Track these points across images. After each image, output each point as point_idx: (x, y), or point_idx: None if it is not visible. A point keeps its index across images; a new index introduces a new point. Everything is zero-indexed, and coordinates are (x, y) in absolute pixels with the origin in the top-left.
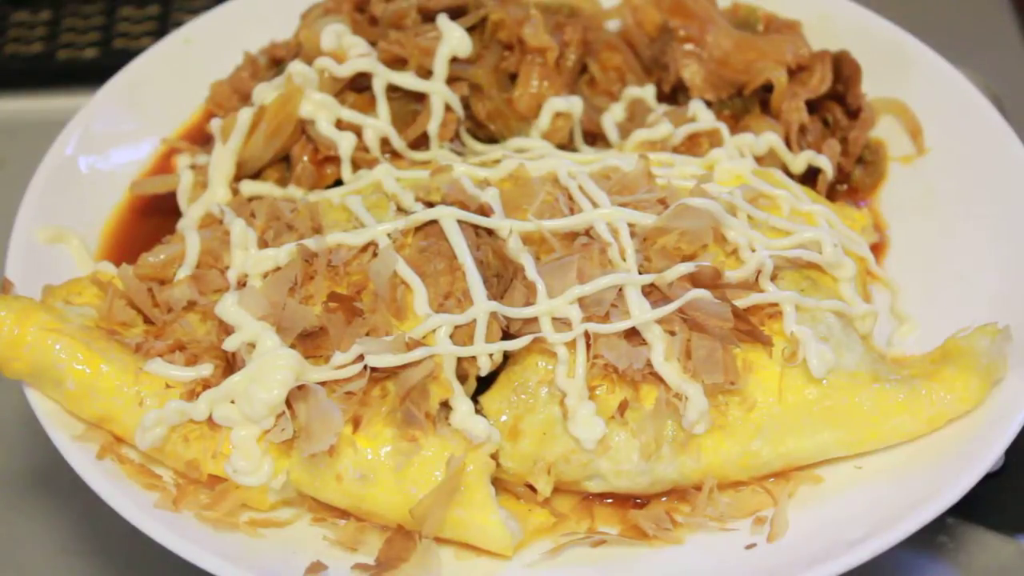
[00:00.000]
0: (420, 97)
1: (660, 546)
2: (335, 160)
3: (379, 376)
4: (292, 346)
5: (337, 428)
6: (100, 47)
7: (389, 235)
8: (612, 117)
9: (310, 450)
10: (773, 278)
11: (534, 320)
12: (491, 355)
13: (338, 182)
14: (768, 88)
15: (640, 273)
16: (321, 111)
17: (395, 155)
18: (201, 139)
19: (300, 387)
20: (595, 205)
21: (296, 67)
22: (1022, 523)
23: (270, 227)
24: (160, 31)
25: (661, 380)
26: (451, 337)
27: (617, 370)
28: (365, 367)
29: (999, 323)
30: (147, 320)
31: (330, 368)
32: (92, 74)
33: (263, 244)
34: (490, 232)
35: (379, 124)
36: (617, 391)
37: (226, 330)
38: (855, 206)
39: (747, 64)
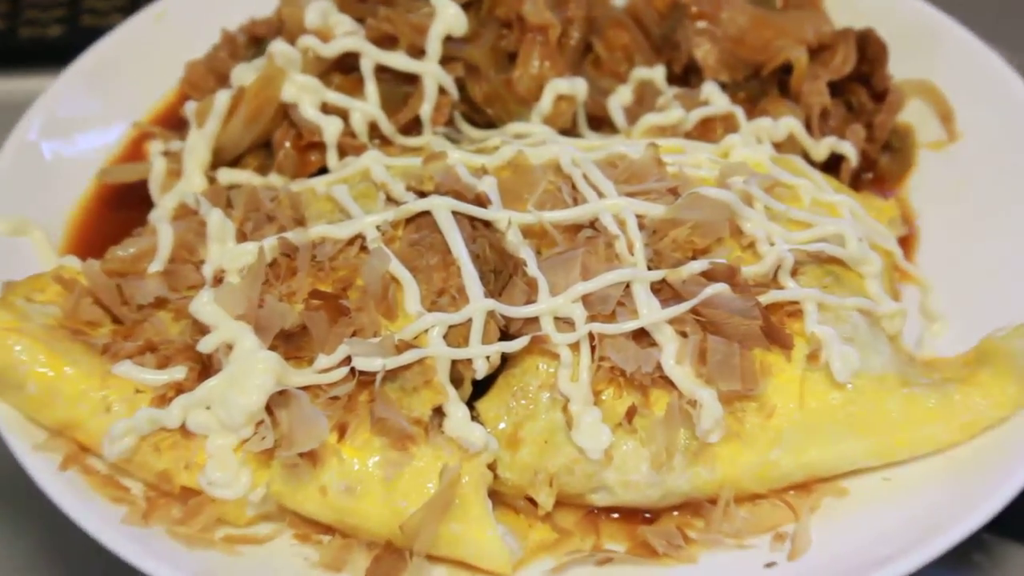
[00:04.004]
0: (411, 78)
1: (671, 565)
2: (320, 146)
3: (367, 380)
4: (273, 347)
5: (321, 436)
6: (66, 24)
7: (378, 227)
8: (619, 100)
9: (290, 454)
10: (793, 274)
11: (535, 319)
12: (488, 357)
13: (323, 170)
14: (787, 69)
15: (649, 268)
16: (305, 94)
17: (384, 141)
18: (175, 123)
19: (281, 392)
20: (600, 195)
21: (278, 46)
22: None
23: (249, 219)
24: (131, 7)
25: (672, 385)
26: (445, 338)
27: (624, 374)
28: (352, 370)
29: None
30: (115, 319)
31: (314, 371)
32: (57, 53)
33: (242, 237)
34: (487, 224)
35: (367, 107)
36: (625, 396)
37: (201, 330)
38: (881, 196)
39: (764, 43)
